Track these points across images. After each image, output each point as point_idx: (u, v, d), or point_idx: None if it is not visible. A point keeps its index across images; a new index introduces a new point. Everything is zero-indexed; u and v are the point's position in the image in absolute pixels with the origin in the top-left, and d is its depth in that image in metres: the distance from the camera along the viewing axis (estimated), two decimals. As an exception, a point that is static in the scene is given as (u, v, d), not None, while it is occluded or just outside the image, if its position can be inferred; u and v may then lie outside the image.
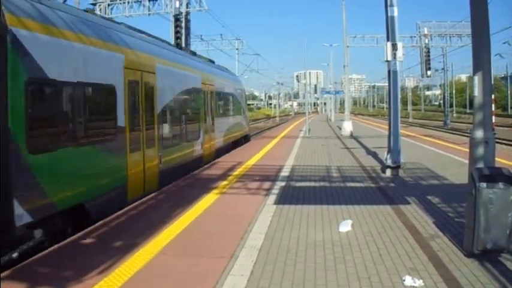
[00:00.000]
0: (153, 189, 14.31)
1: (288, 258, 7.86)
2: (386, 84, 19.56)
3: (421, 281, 6.61)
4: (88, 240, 9.11)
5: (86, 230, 9.70)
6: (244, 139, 34.84)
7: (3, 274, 7.15)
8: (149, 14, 40.19)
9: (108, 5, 39.66)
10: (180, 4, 34.72)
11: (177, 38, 32.88)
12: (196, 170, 18.48)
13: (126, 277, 7.06)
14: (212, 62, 30.44)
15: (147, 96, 14.58)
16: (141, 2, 39.87)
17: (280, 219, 10.45)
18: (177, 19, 33.83)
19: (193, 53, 25.79)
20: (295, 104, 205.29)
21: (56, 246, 8.70)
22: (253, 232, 9.44)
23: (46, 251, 8.40)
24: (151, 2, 39.97)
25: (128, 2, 39.71)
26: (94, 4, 38.65)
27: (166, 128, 16.42)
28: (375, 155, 22.33)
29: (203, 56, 30.53)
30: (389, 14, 17.20)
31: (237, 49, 66.44)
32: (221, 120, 26.19)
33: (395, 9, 17.15)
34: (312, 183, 15.12)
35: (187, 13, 36.19)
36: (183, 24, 34.06)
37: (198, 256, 8.06)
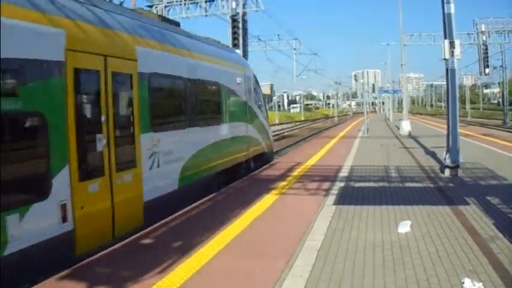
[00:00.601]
0: None
1: (346, 259, 7.93)
2: (444, 82, 19.28)
3: (481, 283, 6.56)
4: (147, 241, 9.37)
5: (145, 230, 9.92)
6: (258, 161, 20.98)
7: (63, 273, 7.38)
8: (206, 15, 40.44)
9: (165, 6, 40.13)
10: (237, 5, 34.94)
11: (235, 38, 33.13)
12: None
13: (185, 277, 7.22)
14: (176, 24, 15.63)
15: None
16: (197, 3, 40.08)
17: (340, 220, 10.52)
18: (234, 20, 34.04)
19: None
20: (353, 103, 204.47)
21: (115, 246, 8.92)
22: (313, 233, 9.54)
23: (105, 251, 8.61)
24: (207, 3, 40.09)
25: (185, 4, 40.05)
26: (150, 6, 39.14)
27: None
28: (433, 155, 22.12)
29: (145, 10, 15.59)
30: (446, 11, 17.01)
31: (294, 49, 66.25)
32: (174, 137, 12.59)
33: (452, 6, 16.93)
34: (371, 184, 15.13)
35: (244, 13, 36.14)
36: (240, 25, 34.22)
37: (257, 257, 8.21)
